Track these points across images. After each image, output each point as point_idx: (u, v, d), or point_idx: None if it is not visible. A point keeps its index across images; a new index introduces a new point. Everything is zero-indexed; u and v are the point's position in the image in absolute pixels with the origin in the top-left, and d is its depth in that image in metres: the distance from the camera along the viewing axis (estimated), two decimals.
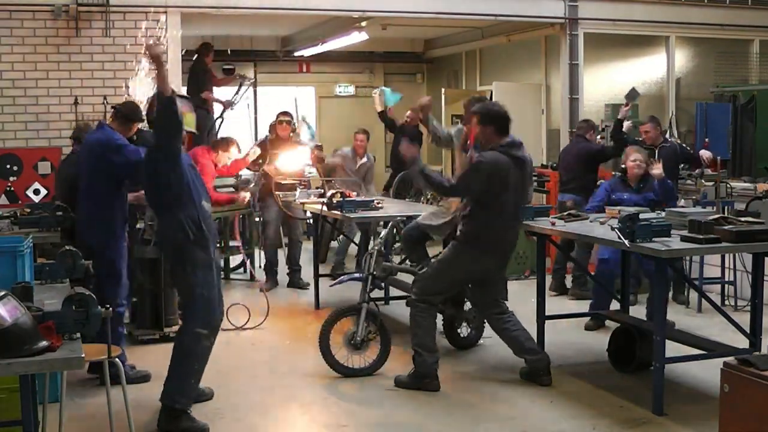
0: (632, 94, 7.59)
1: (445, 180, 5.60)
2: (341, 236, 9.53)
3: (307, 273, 8.75)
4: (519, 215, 5.67)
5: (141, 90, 8.83)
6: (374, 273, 5.92)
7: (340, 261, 9.43)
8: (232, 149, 7.97)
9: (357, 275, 6.14)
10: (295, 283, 8.84)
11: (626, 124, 8.32)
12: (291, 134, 8.69)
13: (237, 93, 9.98)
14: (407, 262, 6.74)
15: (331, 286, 6.65)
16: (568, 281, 8.49)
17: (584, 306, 7.42)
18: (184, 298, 4.88)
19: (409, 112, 10.56)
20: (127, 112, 5.77)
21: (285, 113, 8.87)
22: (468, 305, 6.51)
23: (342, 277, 6.71)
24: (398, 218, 6.60)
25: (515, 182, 5.41)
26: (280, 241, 9.07)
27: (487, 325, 6.44)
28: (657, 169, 6.91)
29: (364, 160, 9.98)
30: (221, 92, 10.67)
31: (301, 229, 9.11)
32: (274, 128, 8.81)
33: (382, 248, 6.02)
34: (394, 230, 6.70)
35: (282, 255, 9.06)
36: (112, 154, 5.44)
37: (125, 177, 5.54)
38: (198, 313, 4.81)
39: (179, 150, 4.80)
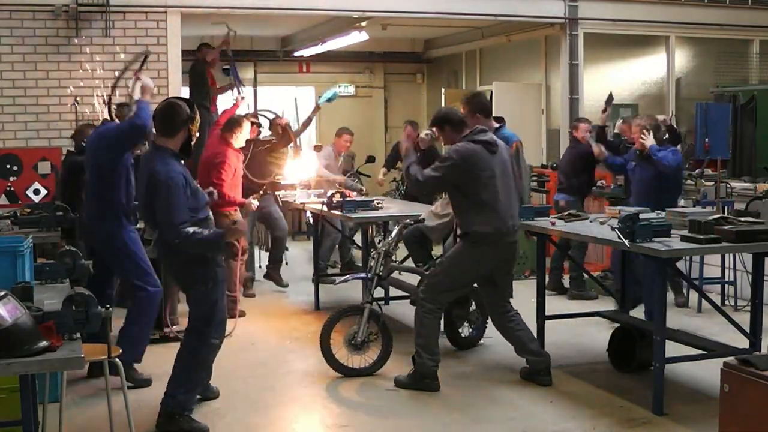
0: (609, 99, 7.76)
1: (420, 174, 5.47)
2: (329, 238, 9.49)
3: (307, 273, 8.75)
4: (514, 204, 5.58)
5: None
6: (380, 273, 5.92)
7: (324, 267, 9.26)
8: (244, 126, 7.60)
9: (362, 275, 6.14)
10: (273, 277, 8.71)
11: (619, 124, 8.38)
12: (258, 134, 8.71)
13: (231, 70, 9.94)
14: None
15: (336, 284, 6.64)
16: (566, 281, 8.50)
17: (584, 306, 7.42)
18: (206, 311, 4.84)
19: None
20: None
21: (253, 114, 8.94)
22: (472, 305, 6.52)
23: (347, 276, 6.70)
24: (407, 219, 6.59)
25: (491, 166, 5.36)
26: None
27: (487, 325, 6.46)
28: (649, 141, 6.95)
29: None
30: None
31: (285, 227, 9.03)
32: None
33: (390, 249, 6.01)
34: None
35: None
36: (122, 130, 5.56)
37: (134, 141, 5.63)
38: (216, 325, 4.87)
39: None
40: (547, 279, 7.87)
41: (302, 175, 8.37)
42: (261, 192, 7.53)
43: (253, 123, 8.77)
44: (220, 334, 4.92)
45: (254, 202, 7.27)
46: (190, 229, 4.60)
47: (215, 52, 9.66)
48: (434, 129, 5.68)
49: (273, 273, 8.79)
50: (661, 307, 5.16)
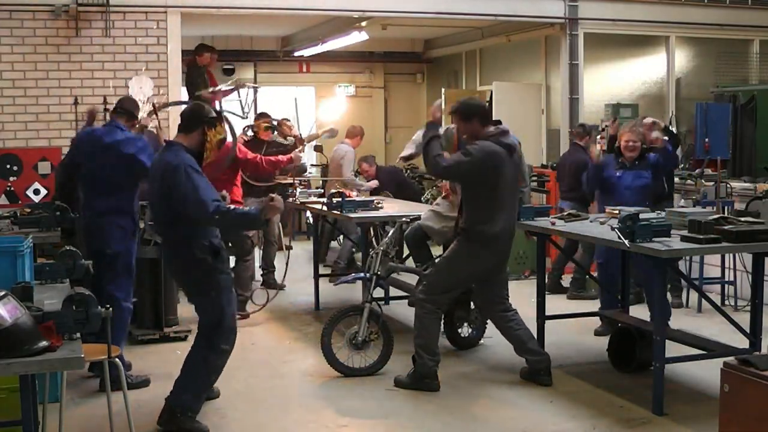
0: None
1: (443, 158, 5.39)
2: (341, 237, 9.52)
3: (307, 273, 8.75)
4: (516, 206, 5.65)
5: (141, 90, 8.83)
6: (378, 273, 5.92)
7: (343, 268, 9.31)
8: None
9: (361, 275, 6.14)
10: (270, 283, 8.81)
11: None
12: (272, 135, 8.79)
13: (239, 99, 10.00)
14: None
15: (335, 284, 6.65)
16: (566, 282, 8.49)
17: (583, 306, 7.42)
18: (214, 320, 4.83)
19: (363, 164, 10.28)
20: (129, 107, 5.81)
21: (265, 116, 9.00)
22: (471, 305, 6.52)
23: (347, 276, 6.70)
24: (404, 219, 6.59)
25: (509, 170, 5.41)
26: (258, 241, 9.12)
27: (487, 325, 6.46)
28: (656, 134, 7.04)
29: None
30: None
31: (276, 230, 9.10)
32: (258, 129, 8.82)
33: (387, 248, 6.01)
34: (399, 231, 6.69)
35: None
36: (140, 155, 5.51)
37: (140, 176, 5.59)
38: (226, 332, 4.85)
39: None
40: (546, 280, 7.90)
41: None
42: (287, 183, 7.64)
43: (268, 127, 8.83)
44: (230, 341, 4.89)
45: (301, 155, 7.34)
46: (230, 205, 4.60)
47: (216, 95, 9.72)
48: (457, 118, 5.52)
49: (268, 279, 8.82)
50: (661, 307, 5.16)
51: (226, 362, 4.94)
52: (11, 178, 8.56)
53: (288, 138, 8.92)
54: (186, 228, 4.68)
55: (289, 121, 9.35)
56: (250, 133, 8.90)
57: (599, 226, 5.85)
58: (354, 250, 9.42)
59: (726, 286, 7.92)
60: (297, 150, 7.38)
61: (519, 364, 5.81)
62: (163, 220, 4.82)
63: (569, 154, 8.75)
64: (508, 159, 5.39)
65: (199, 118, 4.80)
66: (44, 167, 8.61)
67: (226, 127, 4.93)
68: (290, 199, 8.05)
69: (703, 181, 8.61)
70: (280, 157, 7.45)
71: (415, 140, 6.35)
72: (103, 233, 5.60)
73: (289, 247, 9.20)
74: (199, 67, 9.79)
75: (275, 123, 8.92)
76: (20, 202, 8.28)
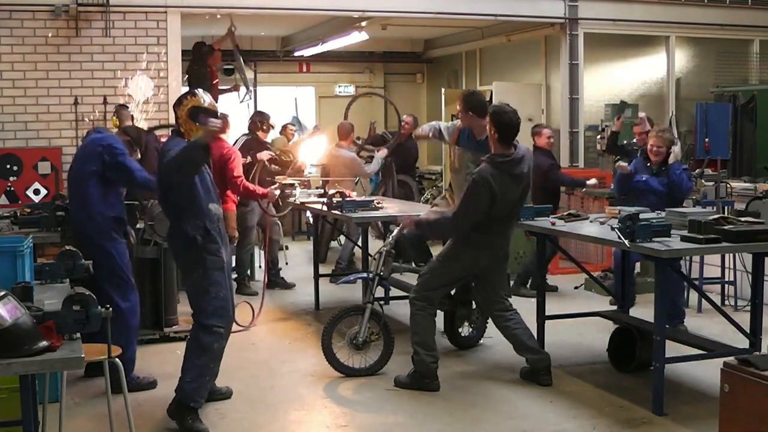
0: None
1: (445, 216, 5.44)
2: (341, 237, 9.51)
3: (307, 273, 8.74)
4: (513, 218, 5.65)
5: (141, 90, 8.84)
6: (381, 274, 5.92)
7: (343, 268, 9.30)
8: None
9: (364, 275, 6.14)
10: (278, 283, 8.81)
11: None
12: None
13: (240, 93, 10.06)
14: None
15: (338, 284, 6.64)
16: (551, 281, 8.49)
17: (583, 306, 7.41)
18: (200, 299, 4.90)
19: (405, 117, 10.32)
20: (134, 137, 5.84)
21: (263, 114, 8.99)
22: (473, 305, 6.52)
23: (350, 276, 6.69)
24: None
25: (509, 194, 5.38)
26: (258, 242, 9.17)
27: (488, 325, 6.46)
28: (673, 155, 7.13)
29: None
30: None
31: (279, 229, 9.11)
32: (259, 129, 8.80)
33: (391, 249, 6.01)
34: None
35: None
36: (113, 161, 5.48)
37: (118, 183, 5.60)
38: (216, 312, 4.91)
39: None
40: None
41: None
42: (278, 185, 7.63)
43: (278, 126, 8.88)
44: (223, 321, 4.94)
45: (276, 192, 7.36)
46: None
47: (221, 40, 9.71)
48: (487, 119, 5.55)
49: (276, 279, 8.80)
50: (662, 306, 5.16)
51: (222, 346, 4.99)
52: (11, 178, 8.57)
53: (290, 141, 8.97)
54: (179, 203, 4.85)
55: (294, 126, 9.39)
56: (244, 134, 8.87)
57: (599, 226, 5.85)
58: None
59: (726, 286, 7.92)
60: (274, 187, 7.41)
61: (519, 364, 5.81)
62: (162, 196, 4.99)
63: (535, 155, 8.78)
64: (511, 185, 5.36)
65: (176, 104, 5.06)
66: (44, 167, 8.61)
67: (202, 99, 4.93)
68: (277, 192, 8.04)
69: (703, 181, 8.61)
70: (258, 190, 7.42)
71: (433, 125, 6.69)
72: (83, 238, 5.54)
73: (286, 247, 9.25)
74: (205, 68, 9.81)
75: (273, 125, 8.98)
76: (20, 202, 8.29)
